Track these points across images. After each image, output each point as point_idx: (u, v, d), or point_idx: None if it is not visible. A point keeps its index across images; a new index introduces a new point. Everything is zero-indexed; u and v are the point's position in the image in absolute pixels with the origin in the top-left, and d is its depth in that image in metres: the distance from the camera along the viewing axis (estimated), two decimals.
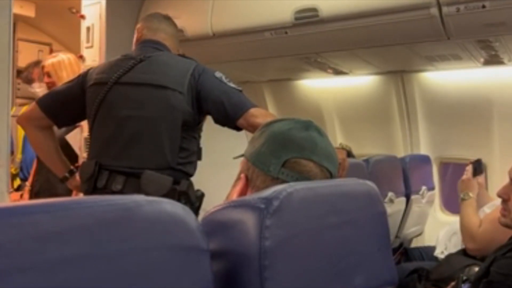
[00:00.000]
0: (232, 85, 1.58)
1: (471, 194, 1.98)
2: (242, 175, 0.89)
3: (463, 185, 2.03)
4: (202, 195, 1.63)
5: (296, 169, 0.85)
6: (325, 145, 0.88)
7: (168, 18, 1.75)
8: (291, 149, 0.85)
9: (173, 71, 1.56)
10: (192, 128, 1.60)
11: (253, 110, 1.52)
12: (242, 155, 0.94)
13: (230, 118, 1.54)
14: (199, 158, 1.67)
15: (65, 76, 2.33)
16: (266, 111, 1.59)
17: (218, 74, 1.59)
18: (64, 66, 2.44)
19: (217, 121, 1.59)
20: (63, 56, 2.48)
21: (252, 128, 1.47)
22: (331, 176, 0.88)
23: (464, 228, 1.84)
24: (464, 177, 2.05)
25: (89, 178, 1.57)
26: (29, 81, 2.77)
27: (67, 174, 1.81)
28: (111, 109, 1.57)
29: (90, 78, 1.64)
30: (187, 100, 1.54)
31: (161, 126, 1.53)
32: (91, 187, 1.56)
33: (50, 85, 2.39)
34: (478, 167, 2.11)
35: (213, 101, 1.54)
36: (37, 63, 2.85)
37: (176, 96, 1.53)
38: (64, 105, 1.70)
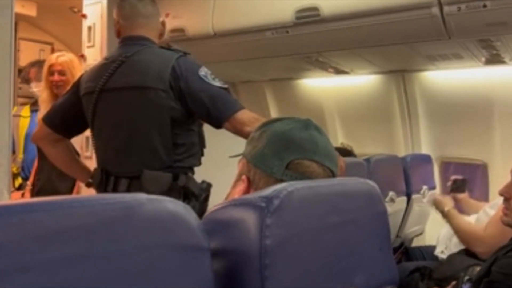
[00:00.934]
0: (217, 83, 1.51)
1: (450, 207, 2.01)
2: (244, 177, 0.88)
3: (437, 203, 2.05)
4: (209, 185, 1.61)
5: (300, 170, 0.85)
6: (325, 144, 0.89)
7: None
8: (293, 150, 0.85)
9: (153, 68, 1.51)
10: (185, 122, 1.55)
11: (239, 115, 1.46)
12: (239, 155, 0.94)
13: (214, 122, 1.50)
14: (204, 146, 1.65)
15: (78, 74, 2.34)
16: (253, 115, 1.49)
17: (202, 71, 1.51)
18: (76, 64, 2.45)
19: (203, 121, 1.58)
20: (70, 55, 2.49)
21: (239, 134, 1.44)
22: (333, 175, 0.88)
23: (466, 235, 1.84)
24: (437, 196, 2.08)
25: (99, 185, 1.61)
26: (27, 81, 2.76)
27: (90, 180, 1.80)
28: (103, 117, 1.58)
29: (82, 86, 1.64)
30: (171, 96, 1.49)
31: (149, 128, 1.52)
32: (102, 193, 1.60)
33: (61, 83, 2.37)
34: (461, 186, 2.11)
35: (196, 103, 1.49)
36: (34, 63, 2.84)
37: (158, 94, 1.49)
38: (67, 117, 1.71)
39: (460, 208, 2.20)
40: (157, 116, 1.51)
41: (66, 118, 1.71)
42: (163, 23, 1.71)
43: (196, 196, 1.56)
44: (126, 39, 1.62)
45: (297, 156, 0.85)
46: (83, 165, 1.88)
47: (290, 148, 0.85)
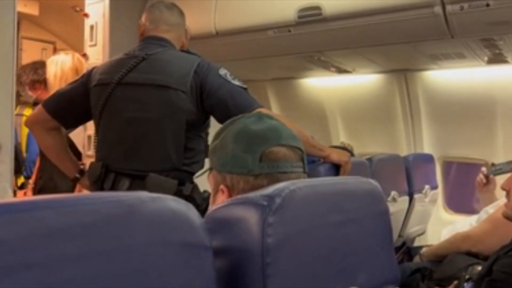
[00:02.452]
0: (236, 82, 1.53)
1: (424, 251, 2.04)
2: (222, 187, 0.89)
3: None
4: (210, 195, 1.61)
5: (273, 158, 0.87)
6: (283, 127, 0.92)
7: (170, 8, 1.68)
8: (260, 142, 0.88)
9: (176, 69, 1.52)
10: (198, 128, 1.56)
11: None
12: (206, 171, 0.95)
13: None
14: (206, 156, 1.65)
15: (52, 70, 2.32)
16: (274, 113, 1.54)
17: (222, 71, 1.53)
18: (55, 62, 2.40)
19: (221, 122, 1.55)
20: (60, 56, 2.45)
21: None
22: (302, 153, 0.91)
23: (453, 243, 1.85)
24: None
25: (96, 180, 1.57)
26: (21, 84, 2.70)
27: (77, 175, 1.80)
28: (115, 111, 1.56)
29: (93, 78, 1.62)
30: (191, 99, 1.50)
31: (165, 128, 1.51)
32: (98, 189, 1.56)
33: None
34: (505, 167, 2.05)
35: (216, 102, 1.50)
36: (33, 63, 2.81)
37: (179, 95, 1.49)
38: (70, 106, 1.68)
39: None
40: (174, 117, 1.50)
41: (68, 106, 1.68)
42: (186, 36, 1.73)
43: (198, 206, 1.54)
44: (147, 38, 1.63)
45: (265, 146, 0.87)
46: (74, 159, 1.86)
47: (256, 142, 0.88)
